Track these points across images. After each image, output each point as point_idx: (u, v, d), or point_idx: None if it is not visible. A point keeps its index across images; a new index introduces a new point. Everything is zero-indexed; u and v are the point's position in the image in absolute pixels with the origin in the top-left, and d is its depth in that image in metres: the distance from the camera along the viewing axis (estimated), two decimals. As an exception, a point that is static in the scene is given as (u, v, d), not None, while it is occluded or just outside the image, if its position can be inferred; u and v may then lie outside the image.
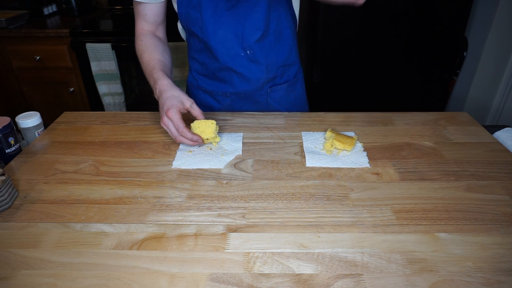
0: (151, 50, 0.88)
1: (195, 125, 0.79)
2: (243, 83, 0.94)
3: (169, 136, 0.84)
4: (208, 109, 1.03)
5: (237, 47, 0.89)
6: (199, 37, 0.90)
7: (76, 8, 2.09)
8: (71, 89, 1.98)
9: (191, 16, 0.88)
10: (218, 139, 0.81)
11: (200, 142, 0.78)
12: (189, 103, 0.78)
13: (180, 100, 0.77)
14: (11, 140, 0.78)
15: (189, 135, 0.76)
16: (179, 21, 0.94)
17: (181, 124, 0.75)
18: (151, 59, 0.86)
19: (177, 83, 1.87)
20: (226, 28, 0.87)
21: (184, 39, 1.00)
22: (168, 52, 0.93)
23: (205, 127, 0.79)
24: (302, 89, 1.06)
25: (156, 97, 0.82)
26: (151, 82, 0.84)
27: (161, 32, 0.96)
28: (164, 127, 0.77)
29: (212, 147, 0.81)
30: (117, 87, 1.92)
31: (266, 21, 0.87)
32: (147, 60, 0.86)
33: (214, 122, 0.79)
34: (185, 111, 0.79)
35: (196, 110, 0.79)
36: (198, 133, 0.79)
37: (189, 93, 1.06)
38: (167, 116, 0.75)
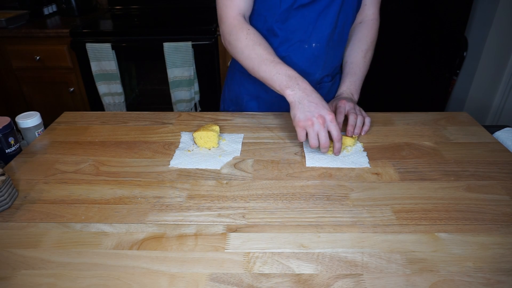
0: (266, 45, 0.83)
1: (197, 135, 0.78)
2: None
3: (169, 136, 0.85)
4: (254, 99, 1.03)
5: (304, 37, 0.90)
6: (267, 21, 0.89)
7: (76, 8, 2.09)
8: (71, 89, 1.98)
9: (268, 1, 0.87)
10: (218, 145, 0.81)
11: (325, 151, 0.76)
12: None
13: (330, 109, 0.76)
14: (11, 140, 0.78)
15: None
16: None
17: (340, 136, 0.74)
18: (270, 53, 0.82)
19: (178, 82, 1.88)
20: (299, 18, 0.88)
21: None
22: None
23: (207, 138, 0.78)
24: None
25: (279, 89, 0.78)
26: (278, 75, 0.78)
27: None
28: (318, 126, 0.72)
29: (212, 147, 0.80)
30: (117, 87, 1.92)
31: (336, 20, 0.88)
32: (266, 53, 0.81)
33: (215, 134, 0.78)
34: None
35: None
36: (201, 144, 0.79)
37: (236, 81, 1.04)
38: (336, 120, 0.73)
